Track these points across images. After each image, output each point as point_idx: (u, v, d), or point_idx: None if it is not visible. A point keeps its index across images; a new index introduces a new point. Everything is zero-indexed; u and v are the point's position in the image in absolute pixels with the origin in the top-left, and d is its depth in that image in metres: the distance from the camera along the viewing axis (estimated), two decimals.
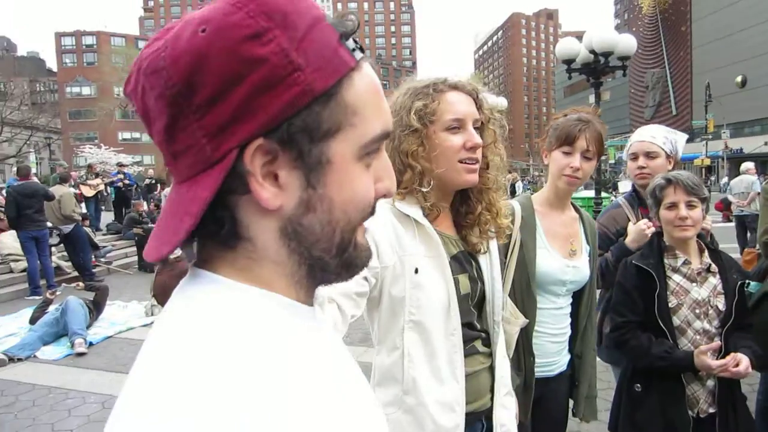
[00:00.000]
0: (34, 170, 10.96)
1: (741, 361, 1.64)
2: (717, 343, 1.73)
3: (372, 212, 0.51)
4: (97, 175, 12.89)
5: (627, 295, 1.85)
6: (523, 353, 1.70)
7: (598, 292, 2.02)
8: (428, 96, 1.23)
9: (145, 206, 12.45)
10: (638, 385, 1.84)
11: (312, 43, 0.43)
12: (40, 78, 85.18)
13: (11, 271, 7.94)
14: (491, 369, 1.35)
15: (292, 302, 0.49)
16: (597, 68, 7.76)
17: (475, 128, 1.26)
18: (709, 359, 1.67)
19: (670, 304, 1.79)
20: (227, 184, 0.43)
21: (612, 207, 2.36)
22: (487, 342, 1.36)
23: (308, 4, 0.44)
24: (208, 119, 0.41)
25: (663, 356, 1.73)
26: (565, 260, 1.76)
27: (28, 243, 7.18)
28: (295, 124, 0.43)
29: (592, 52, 7.54)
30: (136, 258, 9.69)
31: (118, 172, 13.18)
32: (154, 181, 14.94)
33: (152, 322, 5.09)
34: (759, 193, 3.79)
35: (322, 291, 0.54)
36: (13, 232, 7.62)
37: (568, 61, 7.87)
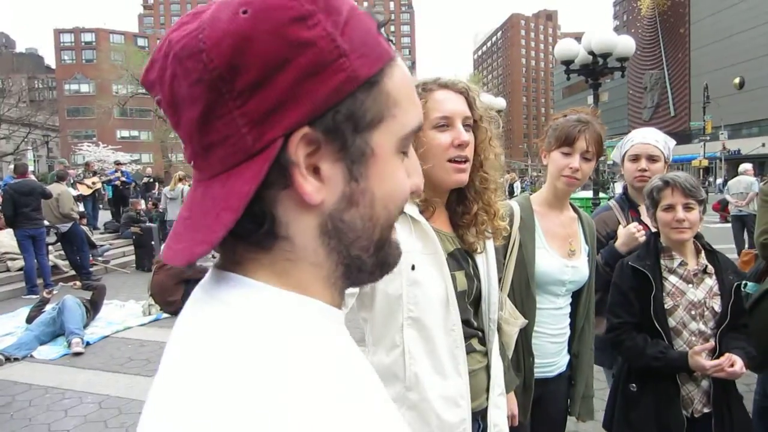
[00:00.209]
0: (31, 168, 10.91)
1: (736, 362, 1.65)
2: (711, 343, 1.73)
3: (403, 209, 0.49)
4: (94, 174, 12.87)
5: (623, 296, 1.86)
6: (522, 353, 1.70)
7: None
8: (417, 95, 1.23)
9: (143, 204, 12.44)
10: (633, 385, 1.85)
11: (355, 30, 0.41)
12: (39, 75, 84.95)
13: (8, 270, 7.90)
14: (488, 368, 1.35)
15: (328, 307, 0.46)
16: (596, 69, 7.78)
17: (467, 126, 1.26)
18: (704, 360, 1.67)
19: (665, 306, 1.79)
20: (266, 178, 0.40)
21: (602, 210, 2.35)
22: (484, 341, 1.36)
23: None
24: (251, 105, 0.39)
25: (657, 357, 1.74)
26: (564, 260, 1.76)
27: (25, 241, 7.15)
28: (341, 112, 0.41)
29: (591, 53, 7.55)
30: (133, 257, 9.67)
31: (116, 171, 13.14)
32: (152, 180, 14.91)
33: (149, 322, 5.09)
34: (758, 194, 3.79)
35: None
36: (9, 231, 7.59)
37: (567, 62, 7.88)
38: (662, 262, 1.85)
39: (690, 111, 50.97)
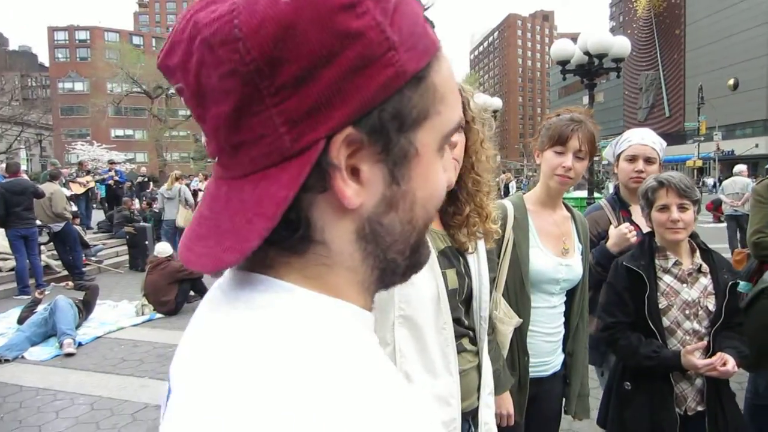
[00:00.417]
0: (24, 167, 10.85)
1: (728, 361, 1.65)
2: (703, 342, 1.74)
3: None
4: (88, 173, 12.79)
5: (618, 296, 1.86)
6: (517, 352, 1.70)
7: None
8: None
9: (137, 204, 12.39)
10: (628, 383, 1.85)
11: (404, 18, 0.37)
12: (32, 73, 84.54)
13: None
14: (479, 368, 1.35)
15: (362, 311, 0.43)
16: (591, 70, 7.81)
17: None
18: (696, 358, 1.68)
19: (660, 305, 1.80)
20: (304, 181, 0.37)
21: (593, 209, 2.34)
22: (474, 340, 1.36)
23: None
24: (291, 103, 0.35)
25: (651, 356, 1.74)
26: (558, 259, 1.76)
27: (17, 241, 7.08)
28: (386, 110, 0.37)
29: (587, 53, 7.58)
30: (127, 257, 9.61)
31: (109, 170, 13.07)
32: (146, 179, 14.85)
33: (143, 322, 5.06)
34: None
35: None
36: (1, 230, 7.53)
37: (563, 63, 7.92)
38: (657, 261, 1.85)
39: (685, 112, 51.27)
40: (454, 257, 1.31)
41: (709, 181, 29.75)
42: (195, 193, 11.50)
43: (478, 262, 1.35)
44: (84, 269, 8.28)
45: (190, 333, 0.43)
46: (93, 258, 9.18)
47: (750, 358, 1.80)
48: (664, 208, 1.80)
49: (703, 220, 12.25)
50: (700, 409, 1.78)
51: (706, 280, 1.82)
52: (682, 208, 1.78)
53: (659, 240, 1.87)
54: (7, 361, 4.58)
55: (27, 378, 4.24)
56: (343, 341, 0.38)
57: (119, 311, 6.20)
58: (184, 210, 9.52)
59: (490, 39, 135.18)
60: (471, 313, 1.35)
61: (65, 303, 5.20)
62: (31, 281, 7.27)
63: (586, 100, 9.07)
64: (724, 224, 9.47)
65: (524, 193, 1.91)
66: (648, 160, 2.14)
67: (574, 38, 8.03)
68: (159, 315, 5.99)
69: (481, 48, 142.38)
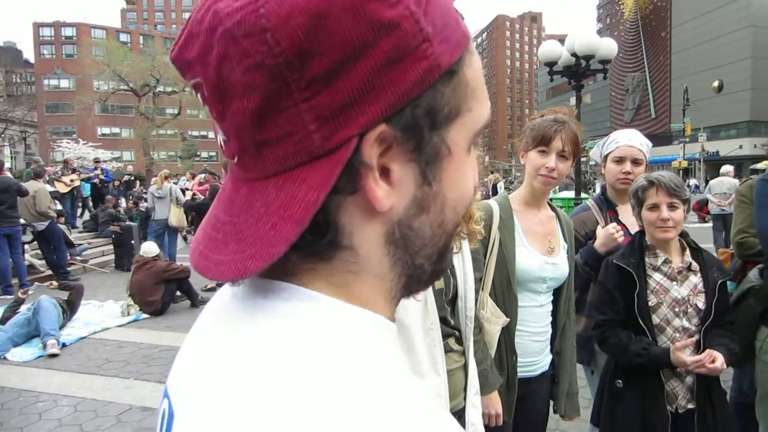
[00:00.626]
0: (8, 165, 10.63)
1: (716, 358, 1.67)
2: (692, 339, 1.75)
3: None
4: (73, 171, 12.60)
5: (608, 294, 1.87)
6: (505, 352, 1.71)
7: None
8: None
9: (124, 203, 12.24)
10: (619, 381, 1.86)
11: (437, 9, 0.35)
12: (17, 69, 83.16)
13: None
14: (465, 368, 1.35)
15: (387, 322, 0.41)
16: (578, 71, 7.86)
17: None
18: (685, 355, 1.69)
19: (650, 303, 1.81)
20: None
21: (581, 209, 2.35)
22: (461, 340, 1.37)
23: None
24: (322, 98, 0.33)
25: (640, 353, 1.75)
26: (543, 257, 1.78)
27: (0, 240, 6.96)
28: (420, 106, 0.35)
29: (574, 55, 7.63)
30: (112, 256, 9.49)
31: (95, 168, 12.89)
32: (133, 178, 14.68)
33: (128, 322, 4.99)
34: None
35: None
36: None
37: (551, 64, 7.97)
38: (647, 260, 1.86)
39: (670, 113, 52.03)
40: None
41: (692, 182, 30.13)
42: (183, 192, 11.38)
43: (462, 262, 1.36)
44: (69, 269, 8.16)
45: (198, 344, 0.40)
46: (78, 257, 9.05)
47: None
48: (654, 207, 1.81)
49: (689, 220, 12.42)
50: (690, 406, 1.79)
51: (695, 279, 1.83)
52: (671, 207, 1.80)
53: (649, 238, 1.88)
54: None
55: (9, 379, 4.16)
56: (372, 356, 0.36)
57: (104, 311, 6.11)
58: (176, 209, 9.37)
59: (479, 40, 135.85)
60: (456, 313, 1.36)
61: (49, 303, 5.11)
62: (14, 281, 7.14)
63: (573, 101, 9.14)
64: (710, 224, 9.62)
65: (509, 193, 1.92)
66: (635, 162, 2.16)
67: (561, 40, 8.09)
68: (145, 315, 5.91)
69: None
